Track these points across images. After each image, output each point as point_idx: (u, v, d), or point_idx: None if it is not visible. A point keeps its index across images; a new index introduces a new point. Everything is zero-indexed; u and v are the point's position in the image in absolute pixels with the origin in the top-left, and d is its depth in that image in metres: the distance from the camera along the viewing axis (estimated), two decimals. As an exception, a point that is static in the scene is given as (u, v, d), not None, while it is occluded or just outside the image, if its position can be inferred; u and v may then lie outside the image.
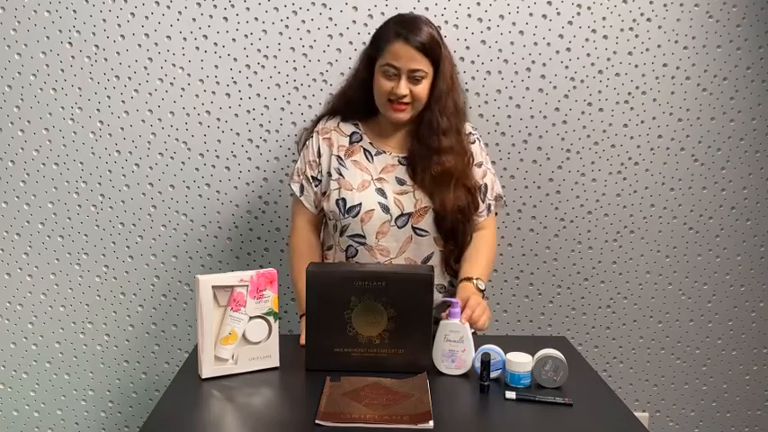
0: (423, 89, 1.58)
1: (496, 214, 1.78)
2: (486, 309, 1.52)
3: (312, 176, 1.69)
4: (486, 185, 1.70)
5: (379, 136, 1.69)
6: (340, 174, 1.65)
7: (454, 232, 1.65)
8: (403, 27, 1.57)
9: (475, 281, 1.60)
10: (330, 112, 1.73)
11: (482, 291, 1.60)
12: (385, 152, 1.67)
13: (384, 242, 1.63)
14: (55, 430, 2.22)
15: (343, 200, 1.63)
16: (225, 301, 1.40)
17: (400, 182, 1.65)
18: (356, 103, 1.68)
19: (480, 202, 1.69)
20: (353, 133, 1.69)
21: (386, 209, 1.62)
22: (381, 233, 1.62)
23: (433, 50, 1.57)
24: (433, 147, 1.61)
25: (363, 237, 1.63)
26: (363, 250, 1.64)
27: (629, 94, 2.08)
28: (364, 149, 1.67)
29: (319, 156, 1.68)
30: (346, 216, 1.63)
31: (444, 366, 1.42)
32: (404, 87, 1.56)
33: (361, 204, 1.62)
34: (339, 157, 1.67)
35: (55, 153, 2.07)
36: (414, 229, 1.63)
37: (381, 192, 1.63)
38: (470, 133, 1.71)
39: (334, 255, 1.71)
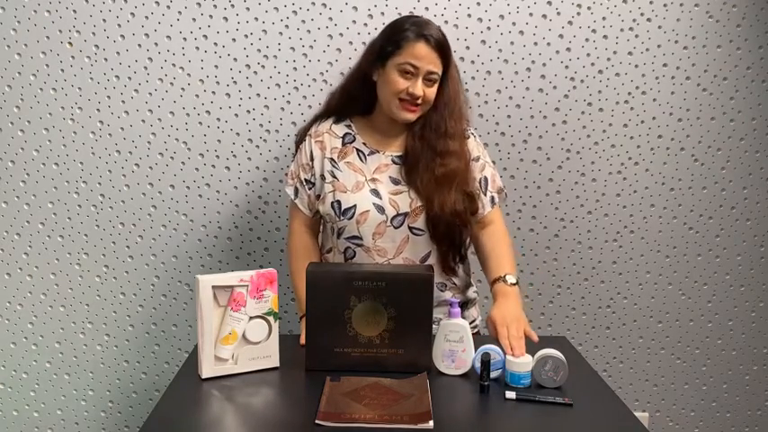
0: (434, 92, 1.59)
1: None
2: (518, 321, 1.48)
3: (305, 179, 1.68)
4: (486, 178, 1.69)
5: (372, 135, 1.68)
6: (334, 176, 1.65)
7: (449, 235, 1.63)
8: (424, 29, 1.56)
9: (505, 278, 1.59)
10: (326, 110, 1.73)
11: (515, 284, 1.59)
12: (378, 152, 1.67)
13: (381, 243, 1.62)
14: (55, 430, 2.22)
15: (338, 202, 1.63)
16: (225, 301, 1.40)
17: (395, 181, 1.64)
18: (356, 97, 1.67)
19: (483, 196, 1.67)
20: (346, 134, 1.68)
21: (381, 209, 1.61)
22: (378, 234, 1.62)
23: (449, 54, 1.59)
24: (438, 149, 1.61)
25: (360, 238, 1.63)
26: (361, 251, 1.63)
27: (629, 94, 2.08)
28: (357, 150, 1.67)
29: (312, 159, 1.68)
30: (342, 218, 1.63)
31: (444, 366, 1.42)
32: (420, 88, 1.56)
33: (355, 206, 1.61)
34: (332, 159, 1.66)
35: (55, 153, 2.07)
36: (410, 228, 1.63)
37: (376, 192, 1.63)
38: (464, 129, 1.71)
39: (333, 257, 1.71)
